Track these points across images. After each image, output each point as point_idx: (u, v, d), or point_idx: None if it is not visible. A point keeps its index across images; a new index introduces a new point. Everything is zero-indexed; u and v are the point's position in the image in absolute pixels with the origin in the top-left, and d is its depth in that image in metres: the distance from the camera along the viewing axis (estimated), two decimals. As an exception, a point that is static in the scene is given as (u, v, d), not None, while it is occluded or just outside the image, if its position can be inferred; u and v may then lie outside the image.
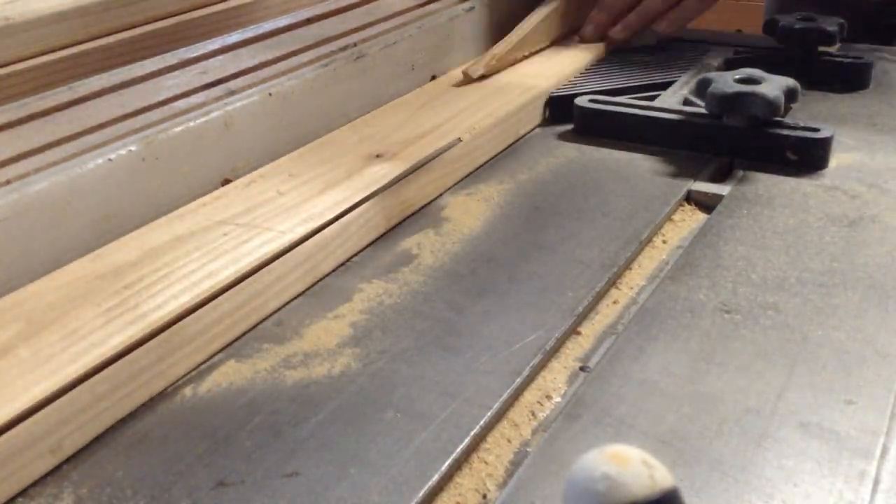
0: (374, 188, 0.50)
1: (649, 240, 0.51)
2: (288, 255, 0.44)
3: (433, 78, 0.68)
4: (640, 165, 0.58)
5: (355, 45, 0.62)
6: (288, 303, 0.44)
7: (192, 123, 0.49)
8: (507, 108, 0.61)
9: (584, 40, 0.74)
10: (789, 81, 0.58)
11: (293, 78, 0.56)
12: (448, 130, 0.57)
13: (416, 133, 0.57)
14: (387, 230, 0.50)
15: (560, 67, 0.69)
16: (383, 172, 0.51)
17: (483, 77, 0.65)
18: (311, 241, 0.45)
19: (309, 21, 0.67)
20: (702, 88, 0.60)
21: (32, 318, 0.38)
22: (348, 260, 0.48)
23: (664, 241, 0.51)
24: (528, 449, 0.36)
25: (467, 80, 0.65)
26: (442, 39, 0.68)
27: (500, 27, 0.73)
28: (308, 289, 0.45)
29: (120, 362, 0.36)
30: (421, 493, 0.32)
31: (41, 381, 0.34)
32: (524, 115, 0.63)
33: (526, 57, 0.71)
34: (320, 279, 0.46)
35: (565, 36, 0.76)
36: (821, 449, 0.34)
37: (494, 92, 0.64)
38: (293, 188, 0.50)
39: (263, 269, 0.43)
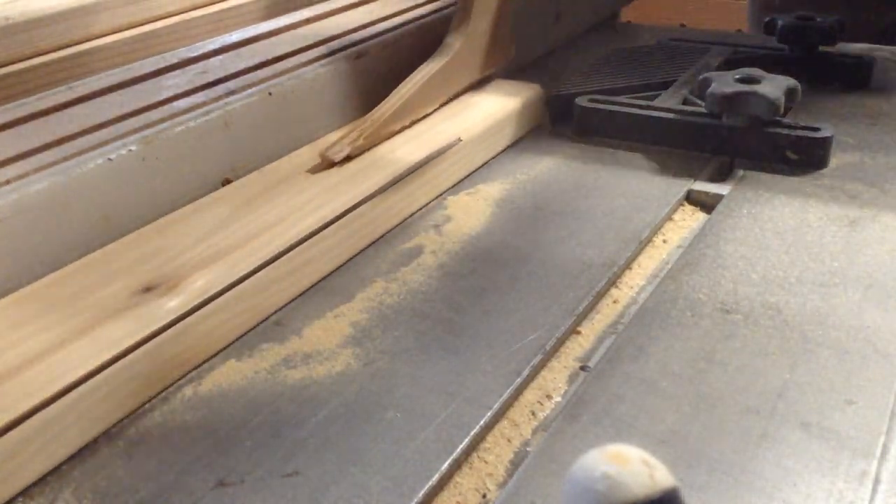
0: (121, 347, 0.36)
1: (649, 239, 0.51)
2: None
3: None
4: (640, 165, 0.58)
5: (355, 44, 0.62)
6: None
7: (192, 123, 0.49)
8: (360, 199, 0.48)
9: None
10: (789, 81, 0.58)
11: (293, 78, 0.56)
12: (265, 243, 0.43)
13: (217, 248, 0.43)
14: (148, 400, 0.37)
15: (438, 141, 0.55)
16: (147, 319, 0.37)
17: (348, 158, 0.52)
18: None
19: (309, 21, 0.67)
20: (702, 88, 0.60)
21: None
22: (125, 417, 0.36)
23: (664, 241, 0.51)
24: (528, 449, 0.36)
25: (326, 164, 0.52)
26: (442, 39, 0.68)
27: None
28: (307, 289, 0.45)
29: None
30: (421, 493, 0.32)
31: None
32: (385, 206, 0.50)
33: (407, 127, 0.57)
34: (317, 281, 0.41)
35: (460, 94, 0.63)
36: (821, 449, 0.34)
37: (353, 176, 0.51)
38: None
39: None
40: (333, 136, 0.55)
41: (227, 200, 0.48)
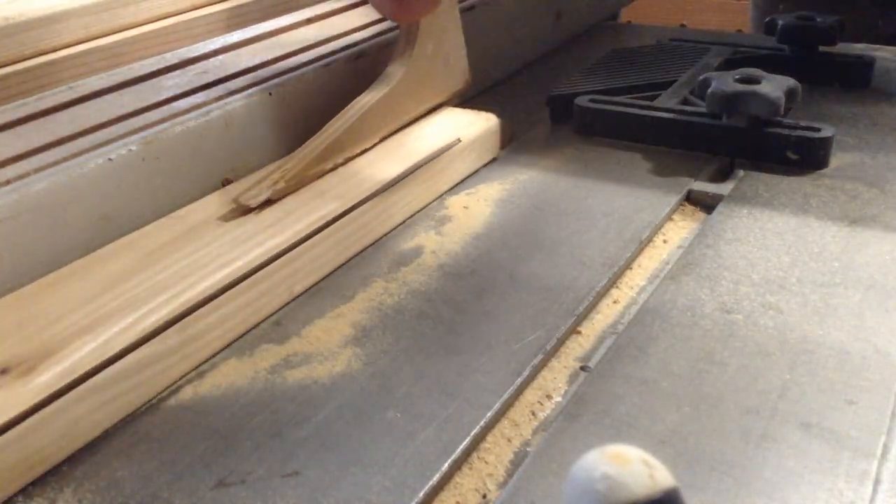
0: None
1: (650, 240, 0.51)
2: None
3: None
4: (640, 165, 0.58)
5: (355, 44, 0.62)
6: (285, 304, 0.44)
7: (192, 123, 0.49)
8: (277, 249, 0.43)
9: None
10: (790, 81, 0.58)
11: (293, 78, 0.56)
12: (154, 309, 0.37)
13: (92, 318, 0.36)
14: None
15: (377, 178, 0.50)
16: None
17: (270, 202, 0.46)
18: None
19: (309, 21, 0.67)
20: (702, 88, 0.60)
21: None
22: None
23: (664, 241, 0.51)
24: (528, 449, 0.36)
25: (242, 211, 0.45)
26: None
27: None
28: (309, 288, 0.45)
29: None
30: (421, 493, 0.32)
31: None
32: (308, 259, 0.45)
33: (340, 165, 0.51)
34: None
35: (406, 127, 0.57)
36: (821, 449, 0.34)
37: (272, 225, 0.44)
38: None
39: None
40: (252, 178, 0.49)
41: (119, 255, 0.41)
